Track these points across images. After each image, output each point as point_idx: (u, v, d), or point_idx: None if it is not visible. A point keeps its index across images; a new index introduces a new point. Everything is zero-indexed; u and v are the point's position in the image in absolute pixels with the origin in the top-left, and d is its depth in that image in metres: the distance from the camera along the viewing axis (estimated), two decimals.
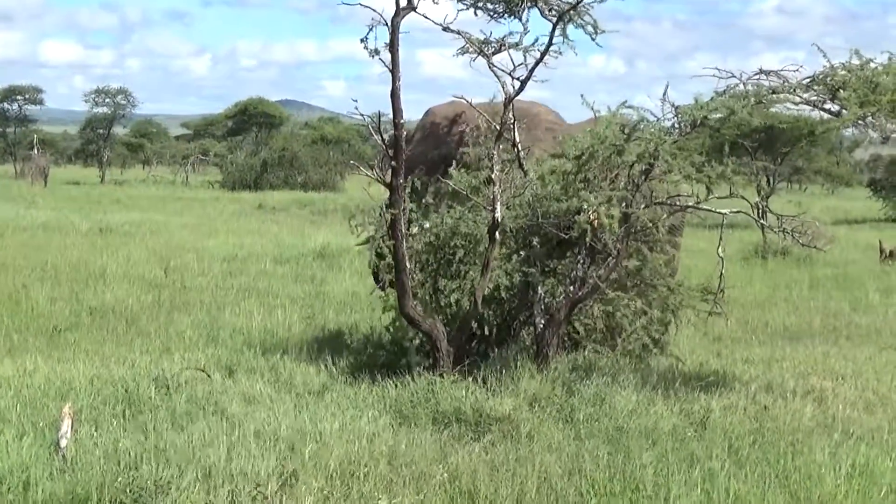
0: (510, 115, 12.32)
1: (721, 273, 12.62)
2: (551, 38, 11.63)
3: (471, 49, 11.74)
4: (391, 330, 12.74)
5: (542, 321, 11.95)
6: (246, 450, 8.42)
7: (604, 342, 12.72)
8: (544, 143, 14.09)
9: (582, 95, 12.65)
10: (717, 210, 12.32)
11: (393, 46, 11.04)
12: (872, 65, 10.95)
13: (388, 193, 11.42)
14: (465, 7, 11.87)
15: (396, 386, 10.81)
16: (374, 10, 10.97)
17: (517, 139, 13.07)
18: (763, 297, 20.00)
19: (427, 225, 12.47)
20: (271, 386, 11.14)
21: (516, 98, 12.29)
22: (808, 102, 11.28)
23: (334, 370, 11.96)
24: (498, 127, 12.13)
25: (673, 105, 11.51)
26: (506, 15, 11.95)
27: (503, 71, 11.88)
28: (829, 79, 11.00)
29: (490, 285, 11.82)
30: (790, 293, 20.66)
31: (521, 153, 13.13)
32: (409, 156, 11.99)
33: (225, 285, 19.52)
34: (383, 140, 11.24)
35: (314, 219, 38.36)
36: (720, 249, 12.65)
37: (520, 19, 11.89)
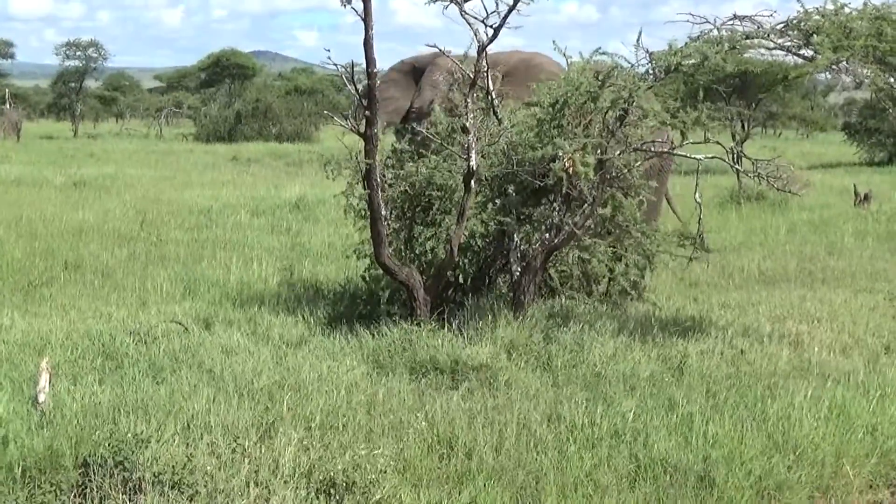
0: (484, 63, 12.26)
1: (699, 218, 12.67)
2: None
3: None
4: (367, 279, 12.74)
5: (518, 269, 11.97)
6: (225, 402, 8.43)
7: (580, 289, 12.77)
8: None
9: (554, 41, 12.64)
10: (692, 155, 12.35)
11: None
12: (846, 10, 10.93)
13: (363, 143, 11.39)
14: None
15: (374, 336, 10.82)
16: None
17: (491, 87, 13.03)
18: (739, 241, 20.08)
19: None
20: (249, 338, 11.14)
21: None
22: (781, 48, 11.27)
23: (312, 321, 11.96)
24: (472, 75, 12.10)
25: (647, 51, 11.49)
26: None
27: (476, 18, 11.80)
28: (802, 24, 10.98)
29: (465, 233, 11.81)
30: (766, 238, 20.75)
31: (496, 101, 13.10)
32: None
33: (201, 238, 19.48)
34: (357, 90, 11.19)
35: (289, 170, 38.27)
36: (697, 195, 12.69)
37: None
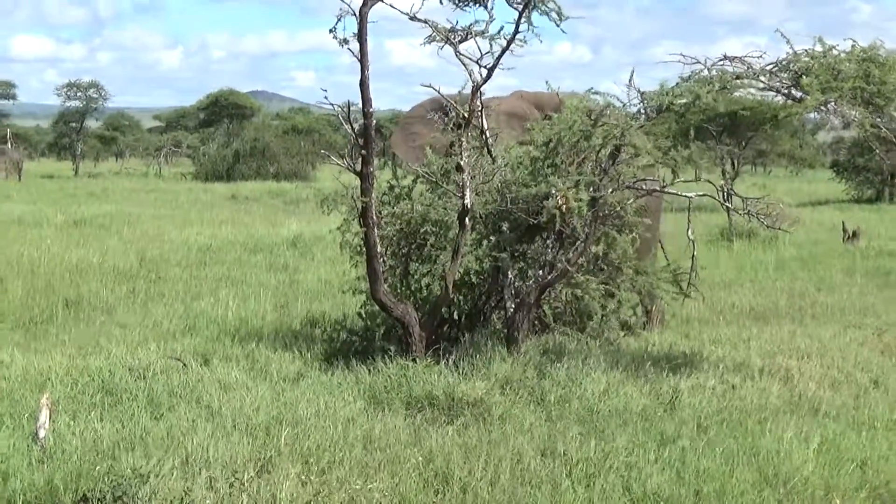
0: (478, 103, 12.30)
1: (693, 255, 12.68)
2: (517, 26, 11.62)
3: (438, 38, 11.71)
4: (363, 315, 12.73)
5: (513, 305, 11.97)
6: (223, 437, 8.41)
7: (573, 325, 12.77)
8: None
9: (547, 82, 12.77)
10: (683, 193, 12.39)
11: (361, 36, 11.02)
12: (835, 52, 10.98)
13: (359, 181, 11.41)
14: None
15: (370, 371, 10.80)
16: (342, 1, 10.95)
17: (485, 126, 13.07)
18: (729, 278, 20.07)
19: None
20: (247, 374, 11.11)
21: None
22: (771, 88, 11.30)
23: (309, 357, 11.95)
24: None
25: (639, 91, 11.53)
26: (471, 3, 11.93)
27: (470, 59, 11.85)
28: (792, 65, 11.03)
29: (461, 270, 11.83)
30: (756, 274, 20.76)
31: (489, 140, 13.13)
32: None
33: (199, 275, 19.48)
34: (353, 129, 11.22)
35: (286, 208, 38.31)
36: (690, 232, 12.71)
37: (485, 7, 11.86)
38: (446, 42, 11.70)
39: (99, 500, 7.22)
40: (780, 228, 12.27)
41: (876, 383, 11.40)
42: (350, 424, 8.99)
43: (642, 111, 11.58)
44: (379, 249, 11.50)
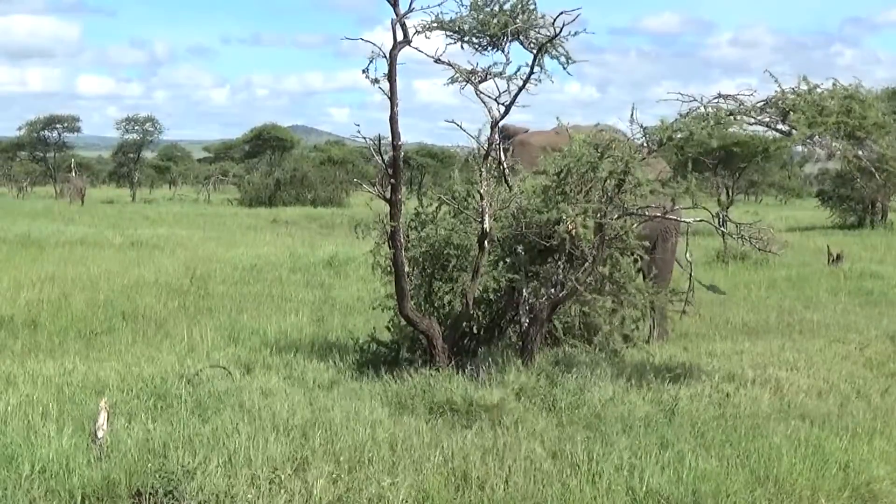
0: (496, 137, 12.32)
1: (690, 275, 12.64)
2: (532, 68, 11.66)
3: (460, 78, 11.74)
4: (391, 329, 12.72)
5: (527, 320, 11.96)
6: (263, 438, 8.40)
7: (581, 338, 12.75)
8: None
9: (558, 118, 12.82)
10: (683, 219, 12.36)
11: (391, 76, 11.04)
12: (819, 90, 10.94)
13: (388, 208, 11.43)
14: (452, 42, 11.88)
15: (396, 380, 10.78)
16: (374, 44, 11.00)
17: (502, 158, 13.07)
18: (724, 296, 20.00)
19: None
20: (285, 381, 11.11)
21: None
22: (761, 123, 11.26)
23: (341, 366, 11.93)
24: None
25: (641, 126, 11.52)
26: (489, 48, 11.96)
27: (489, 97, 11.88)
28: (780, 102, 10.98)
29: (479, 288, 11.82)
30: (748, 293, 20.70)
31: (506, 170, 13.14)
32: None
33: (244, 292, 19.50)
34: (383, 160, 11.24)
35: (323, 231, 38.34)
36: (687, 254, 12.68)
37: (502, 51, 11.91)
38: (468, 82, 11.75)
39: (151, 494, 7.24)
40: (770, 251, 12.17)
41: (858, 393, 11.32)
42: (378, 427, 8.98)
43: (644, 145, 11.56)
44: (406, 269, 11.52)
